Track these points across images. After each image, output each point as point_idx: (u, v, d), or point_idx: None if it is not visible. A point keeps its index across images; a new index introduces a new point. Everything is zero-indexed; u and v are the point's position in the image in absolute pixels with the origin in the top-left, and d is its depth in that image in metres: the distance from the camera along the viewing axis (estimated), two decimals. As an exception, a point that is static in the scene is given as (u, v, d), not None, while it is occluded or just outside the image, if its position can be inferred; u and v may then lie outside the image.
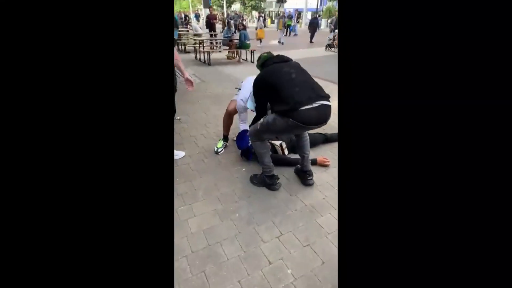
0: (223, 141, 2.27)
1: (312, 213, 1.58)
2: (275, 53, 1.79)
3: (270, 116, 1.58)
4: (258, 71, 1.73)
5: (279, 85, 1.49)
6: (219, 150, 2.21)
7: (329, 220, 1.52)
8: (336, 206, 1.64)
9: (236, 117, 2.20)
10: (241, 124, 2.08)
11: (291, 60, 1.70)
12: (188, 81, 1.96)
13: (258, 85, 1.64)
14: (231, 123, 2.26)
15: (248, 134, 1.88)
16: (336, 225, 1.49)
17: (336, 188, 1.80)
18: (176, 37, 2.23)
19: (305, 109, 1.42)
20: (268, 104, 1.67)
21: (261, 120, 1.64)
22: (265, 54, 1.77)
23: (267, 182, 1.77)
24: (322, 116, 1.46)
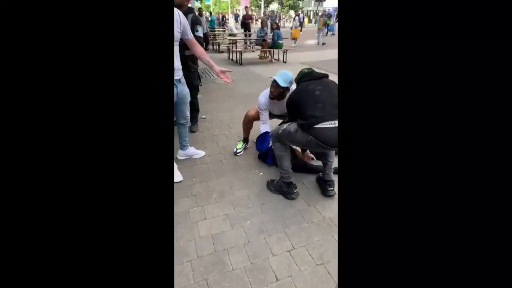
0: (243, 143, 2.21)
1: (330, 228, 1.44)
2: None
3: (293, 126, 1.52)
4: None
5: (303, 102, 1.49)
6: (238, 151, 2.16)
7: (349, 237, 1.37)
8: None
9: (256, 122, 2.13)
10: (262, 124, 2.00)
11: (326, 77, 1.61)
12: (222, 73, 1.75)
13: (288, 103, 1.63)
14: (251, 127, 2.21)
15: (270, 134, 1.83)
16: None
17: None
18: (201, 34, 2.18)
19: (326, 127, 1.37)
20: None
21: (285, 125, 1.60)
22: (306, 70, 1.67)
23: (283, 189, 1.67)
24: None
